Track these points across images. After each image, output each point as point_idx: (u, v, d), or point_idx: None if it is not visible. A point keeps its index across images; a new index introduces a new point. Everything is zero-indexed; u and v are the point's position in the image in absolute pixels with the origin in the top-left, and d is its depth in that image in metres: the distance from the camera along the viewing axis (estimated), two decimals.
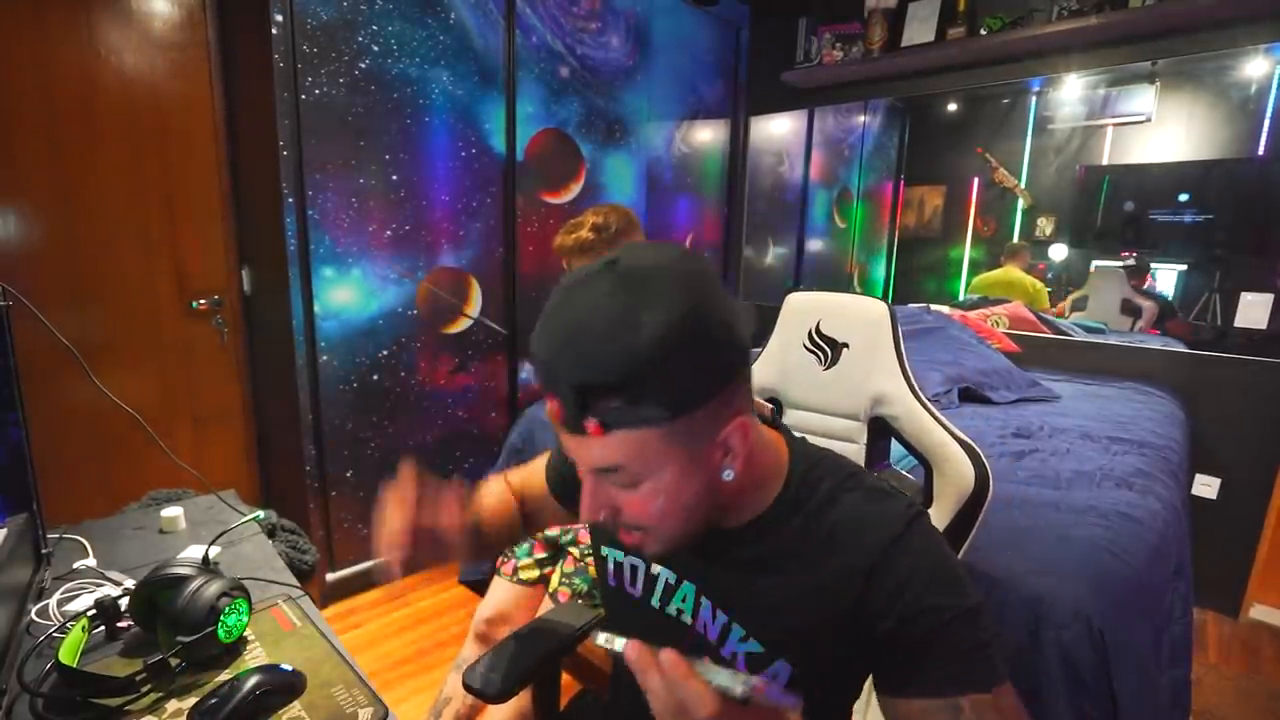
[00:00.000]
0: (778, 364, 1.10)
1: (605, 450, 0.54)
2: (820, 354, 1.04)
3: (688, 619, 0.69)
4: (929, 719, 0.56)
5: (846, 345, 1.02)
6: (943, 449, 0.92)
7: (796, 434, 0.70)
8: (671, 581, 0.70)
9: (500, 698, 0.87)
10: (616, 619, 0.82)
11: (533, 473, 0.91)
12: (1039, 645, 1.04)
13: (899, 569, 0.58)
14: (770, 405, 1.11)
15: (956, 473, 0.90)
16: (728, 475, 0.58)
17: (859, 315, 1.01)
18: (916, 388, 0.97)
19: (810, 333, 1.05)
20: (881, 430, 1.01)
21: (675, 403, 0.52)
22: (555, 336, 0.53)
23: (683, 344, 0.51)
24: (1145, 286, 2.83)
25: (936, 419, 0.94)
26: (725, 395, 0.56)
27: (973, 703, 0.54)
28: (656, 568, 0.71)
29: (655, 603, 0.72)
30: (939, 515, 0.92)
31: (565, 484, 0.84)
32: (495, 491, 0.89)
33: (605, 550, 0.78)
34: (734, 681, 0.44)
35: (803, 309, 1.07)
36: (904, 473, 1.10)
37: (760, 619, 0.64)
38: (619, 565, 0.76)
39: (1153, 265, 2.81)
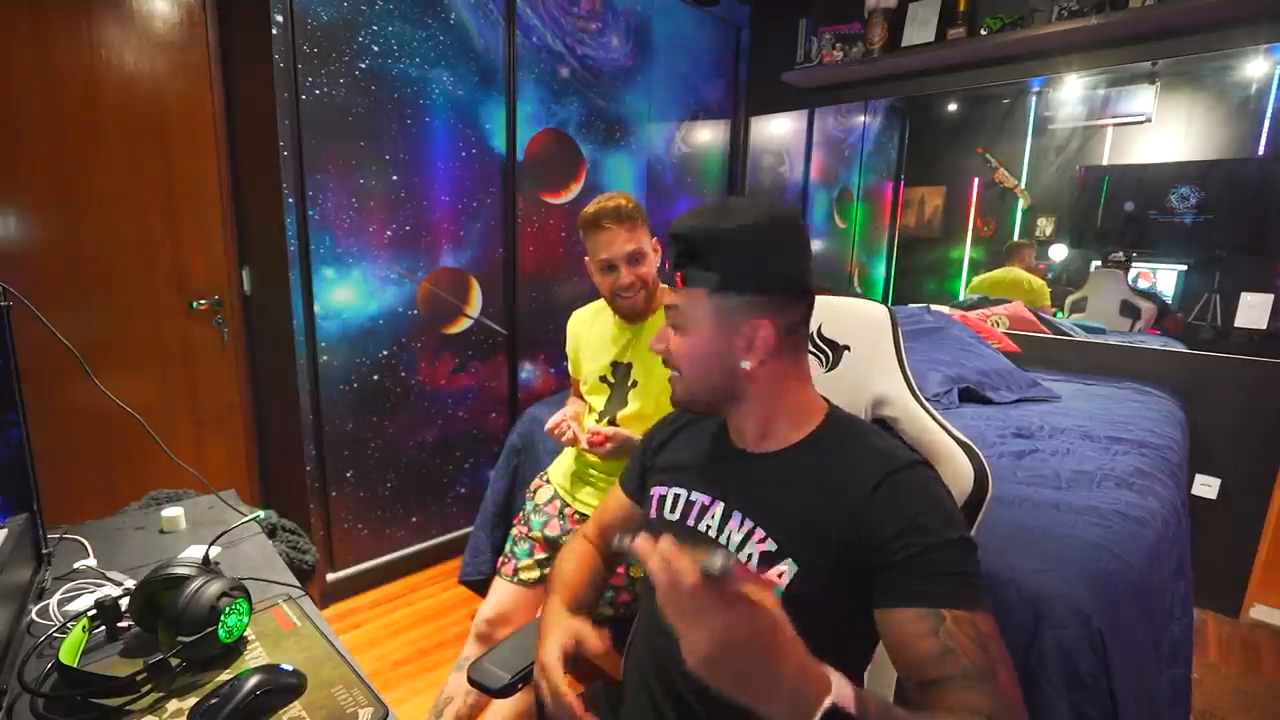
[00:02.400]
0: None
1: (677, 295, 0.79)
2: (822, 356, 1.06)
3: (713, 533, 0.82)
4: (913, 626, 0.63)
5: (848, 348, 1.03)
6: (941, 449, 0.93)
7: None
8: (706, 502, 0.84)
9: (504, 692, 0.90)
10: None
11: (606, 506, 1.07)
12: (1038, 644, 1.05)
13: (901, 491, 0.70)
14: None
15: (956, 472, 0.91)
16: (745, 364, 0.77)
17: (860, 318, 1.03)
18: (916, 389, 0.98)
19: (812, 336, 1.07)
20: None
21: (722, 279, 0.75)
22: (696, 209, 0.78)
23: (742, 245, 0.75)
24: (1147, 286, 2.83)
25: (936, 420, 0.95)
26: (759, 301, 0.76)
27: (954, 617, 0.62)
28: (694, 494, 0.86)
29: (691, 523, 0.85)
30: None
31: (635, 481, 1.02)
32: (576, 554, 1.04)
33: (653, 489, 0.93)
34: (716, 558, 0.47)
35: None
36: None
37: (776, 520, 0.77)
38: (661, 499, 0.90)
39: (1154, 266, 2.80)
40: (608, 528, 1.03)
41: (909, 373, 0.99)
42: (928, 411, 0.96)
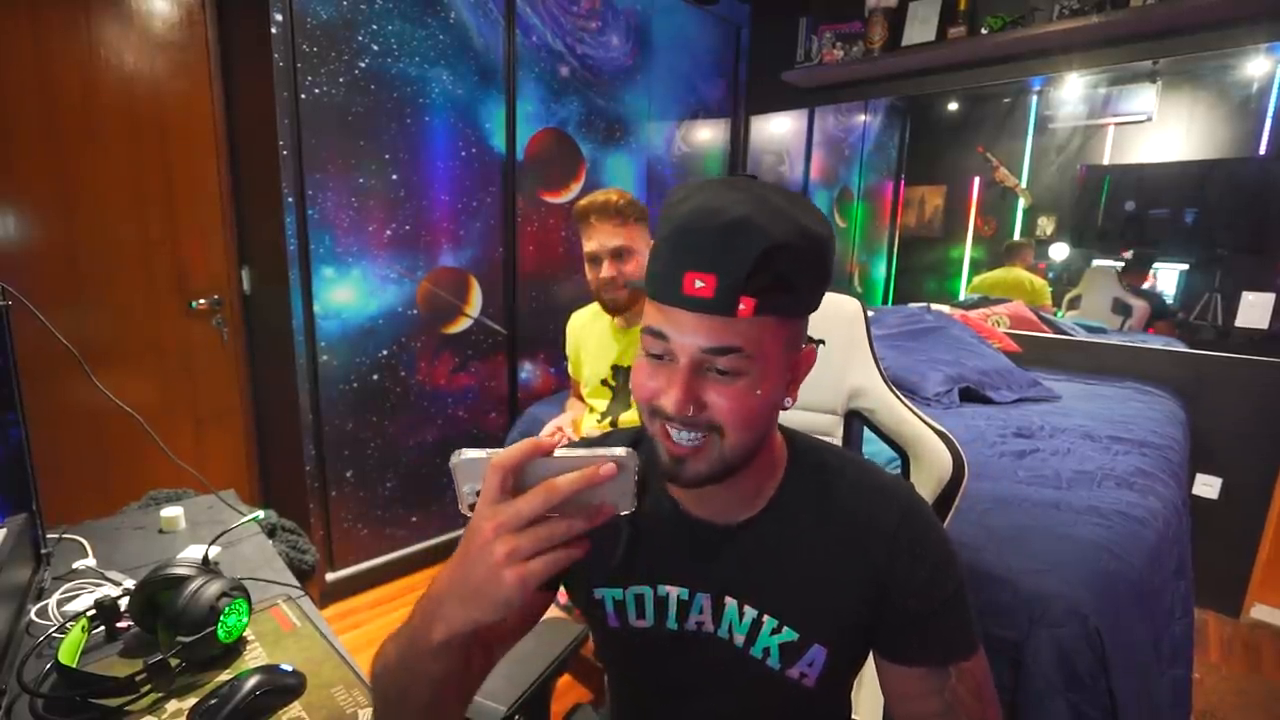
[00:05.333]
0: None
1: (737, 329, 0.53)
2: None
3: (709, 629, 0.66)
4: (919, 684, 0.61)
5: (822, 342, 1.04)
6: (919, 438, 0.95)
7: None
8: (684, 598, 0.66)
9: None
10: (625, 660, 0.74)
11: None
12: (1035, 644, 1.04)
13: (917, 537, 0.61)
14: None
15: (934, 460, 0.93)
16: (788, 403, 0.60)
17: (834, 312, 1.04)
18: (890, 381, 1.00)
19: None
20: (857, 423, 1.04)
21: (810, 296, 0.56)
22: (743, 199, 0.52)
23: (831, 251, 0.56)
24: (1146, 286, 2.83)
25: (911, 410, 0.97)
26: (807, 320, 0.60)
27: (957, 671, 0.60)
28: (663, 589, 0.66)
29: (672, 625, 0.66)
30: None
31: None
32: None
33: (600, 592, 0.68)
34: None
35: None
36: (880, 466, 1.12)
37: (791, 603, 0.63)
38: (619, 604, 0.68)
39: (1156, 265, 2.80)
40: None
41: (881, 365, 1.01)
42: (902, 402, 0.98)
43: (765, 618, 0.63)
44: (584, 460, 0.46)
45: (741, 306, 0.51)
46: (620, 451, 0.46)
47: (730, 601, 0.64)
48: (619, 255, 1.44)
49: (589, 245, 1.46)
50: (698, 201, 0.53)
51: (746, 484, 0.63)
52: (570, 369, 1.72)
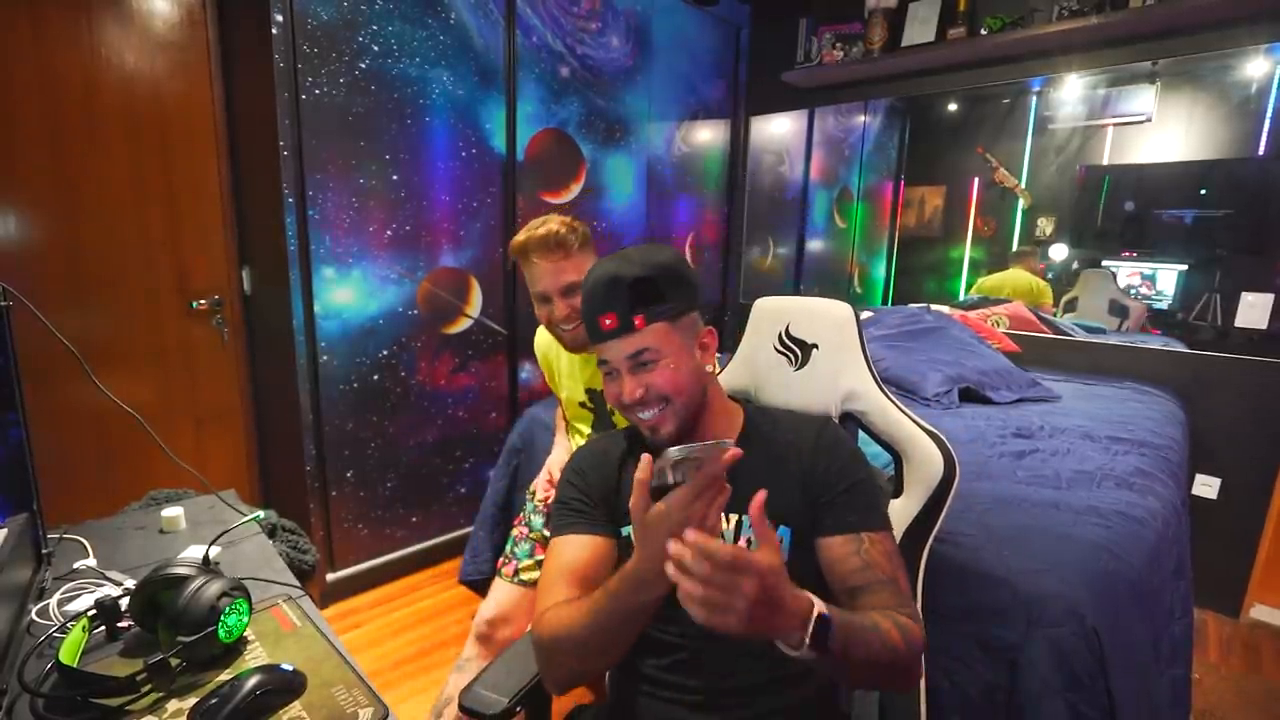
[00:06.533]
0: (750, 366, 1.14)
1: (643, 338, 0.84)
2: (791, 355, 1.09)
3: None
4: (844, 548, 0.82)
5: (816, 346, 1.07)
6: (911, 439, 0.97)
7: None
8: None
9: (502, 718, 0.87)
10: None
11: (578, 558, 0.87)
12: (1034, 644, 1.05)
13: (835, 437, 0.91)
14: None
15: (926, 460, 0.95)
16: (708, 368, 0.91)
17: (826, 317, 1.06)
18: (882, 384, 1.02)
19: (780, 335, 1.10)
20: (851, 425, 1.06)
21: (680, 302, 0.86)
22: (613, 262, 0.86)
23: (683, 266, 0.89)
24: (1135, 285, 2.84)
25: (903, 412, 0.99)
26: (698, 313, 0.91)
27: (870, 538, 0.82)
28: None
29: None
30: (910, 501, 0.97)
31: (605, 520, 0.92)
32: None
33: (625, 530, 0.90)
34: (685, 452, 0.68)
35: (772, 313, 1.12)
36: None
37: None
38: None
39: (1155, 266, 2.80)
40: (580, 574, 0.86)
41: (874, 368, 1.03)
42: (894, 404, 1.00)
43: (744, 517, 0.87)
44: (707, 449, 0.68)
45: (636, 324, 0.84)
46: (727, 442, 0.69)
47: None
48: (569, 291, 1.28)
49: (536, 285, 1.31)
50: (591, 275, 0.88)
51: (713, 431, 0.91)
52: (550, 386, 1.67)
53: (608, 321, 0.84)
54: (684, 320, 0.87)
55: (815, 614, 0.63)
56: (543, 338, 1.59)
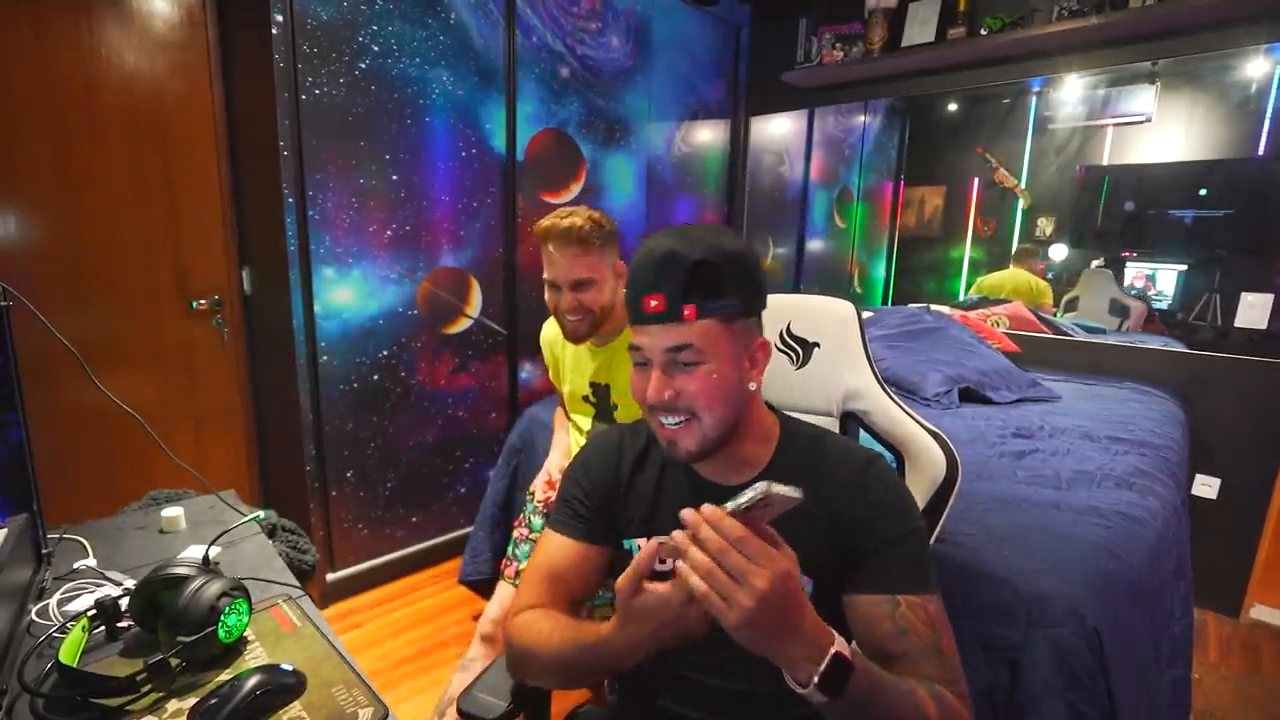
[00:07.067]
0: None
1: (688, 331, 0.72)
2: (792, 354, 1.09)
3: None
4: (876, 609, 0.71)
5: (817, 345, 1.06)
6: (914, 439, 0.97)
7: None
8: None
9: None
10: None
11: (553, 558, 0.85)
12: (1034, 644, 1.05)
13: (873, 488, 0.76)
14: None
15: (928, 460, 0.94)
16: (751, 386, 0.77)
17: (828, 315, 1.05)
18: (884, 383, 1.01)
19: (781, 334, 1.09)
20: (852, 424, 1.05)
21: (741, 301, 0.74)
22: (674, 238, 0.73)
23: (753, 261, 0.76)
24: (1141, 288, 2.83)
25: (905, 411, 0.99)
26: (758, 320, 0.78)
27: (908, 602, 0.71)
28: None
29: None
30: None
31: (591, 527, 0.86)
32: (548, 622, 0.80)
33: (628, 543, 0.86)
34: (751, 494, 0.55)
35: (772, 311, 1.10)
36: None
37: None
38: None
39: (1154, 266, 2.81)
40: (563, 580, 0.84)
41: (876, 366, 1.02)
42: (896, 404, 0.99)
43: None
44: (774, 500, 0.56)
45: (686, 312, 0.71)
46: (791, 491, 0.56)
47: None
48: (579, 286, 1.33)
49: (548, 272, 1.36)
50: (645, 247, 0.75)
51: (742, 452, 0.80)
52: (552, 379, 1.68)
53: (653, 303, 0.72)
54: (739, 324, 0.74)
55: (832, 651, 0.57)
56: (549, 329, 1.61)
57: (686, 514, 0.57)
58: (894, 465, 1.00)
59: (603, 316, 1.38)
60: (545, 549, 0.87)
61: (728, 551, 0.54)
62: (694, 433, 0.75)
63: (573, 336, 1.40)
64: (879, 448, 1.05)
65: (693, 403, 0.73)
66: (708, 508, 0.56)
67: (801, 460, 0.80)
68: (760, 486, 0.55)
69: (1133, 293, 2.83)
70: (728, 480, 0.81)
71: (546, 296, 1.41)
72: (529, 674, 0.80)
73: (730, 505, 0.56)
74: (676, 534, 0.57)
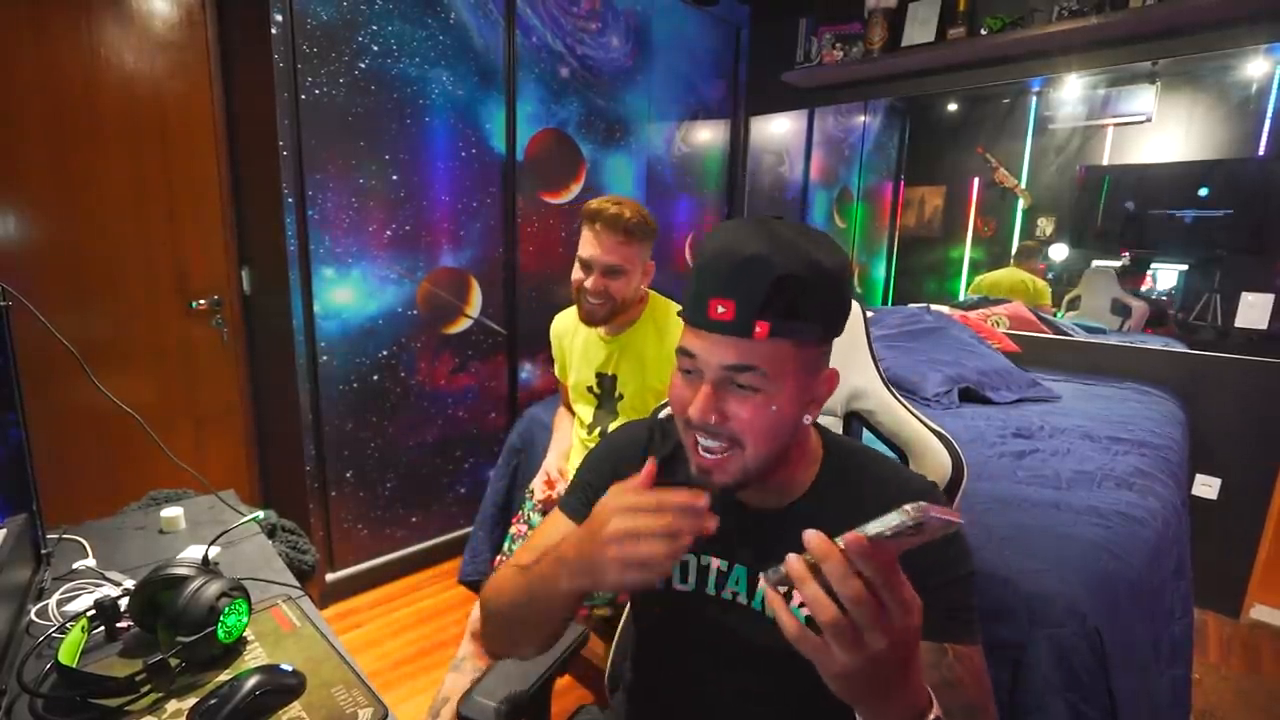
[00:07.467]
0: None
1: (756, 351, 0.61)
2: None
3: (743, 600, 0.73)
4: (922, 657, 0.61)
5: None
6: (919, 439, 0.95)
7: None
8: (724, 569, 0.74)
9: None
10: (663, 621, 0.81)
11: (553, 539, 0.81)
12: (1034, 643, 1.05)
13: None
14: None
15: (934, 461, 0.93)
16: (807, 419, 0.68)
17: None
18: (889, 382, 1.00)
19: None
20: (856, 424, 1.04)
21: (821, 326, 0.63)
22: (762, 239, 0.60)
23: (846, 281, 0.64)
24: (1143, 288, 2.83)
25: (910, 411, 0.97)
26: (829, 347, 0.67)
27: (955, 652, 0.64)
28: (705, 558, 0.75)
29: (711, 590, 0.75)
30: None
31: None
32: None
33: None
34: (900, 516, 0.43)
35: None
36: None
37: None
38: None
39: (1154, 265, 2.81)
40: None
41: (880, 365, 1.01)
42: (901, 404, 0.98)
43: (794, 591, 0.65)
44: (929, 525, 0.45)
45: (757, 329, 0.60)
46: (951, 515, 0.44)
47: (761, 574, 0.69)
48: (610, 272, 1.37)
49: (584, 250, 1.39)
50: (721, 239, 0.63)
51: (782, 476, 0.71)
52: (557, 372, 1.70)
53: (720, 309, 0.61)
54: (812, 351, 0.64)
55: (933, 716, 0.50)
56: (560, 322, 1.66)
57: (812, 537, 0.47)
58: None
59: (622, 307, 1.43)
60: (548, 528, 0.82)
61: (862, 602, 0.45)
62: (735, 465, 0.65)
63: (588, 318, 1.44)
64: (883, 448, 1.04)
65: (741, 432, 0.63)
66: (851, 537, 0.46)
67: (850, 487, 0.71)
68: (912, 510, 0.43)
69: (1154, 295, 2.81)
70: (765, 504, 0.73)
71: (575, 273, 1.44)
72: (487, 633, 0.77)
73: (872, 530, 0.45)
74: (792, 561, 0.48)
